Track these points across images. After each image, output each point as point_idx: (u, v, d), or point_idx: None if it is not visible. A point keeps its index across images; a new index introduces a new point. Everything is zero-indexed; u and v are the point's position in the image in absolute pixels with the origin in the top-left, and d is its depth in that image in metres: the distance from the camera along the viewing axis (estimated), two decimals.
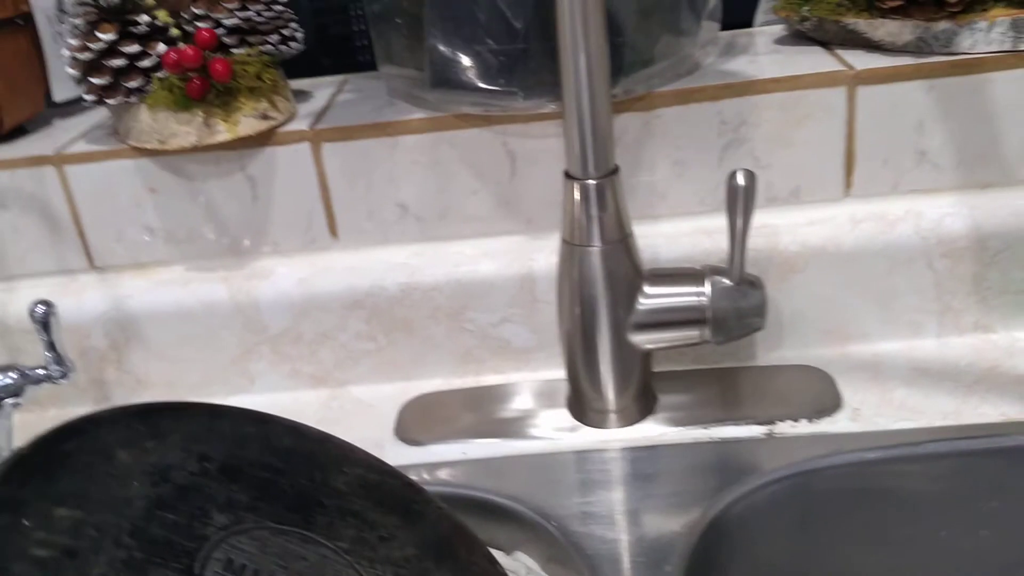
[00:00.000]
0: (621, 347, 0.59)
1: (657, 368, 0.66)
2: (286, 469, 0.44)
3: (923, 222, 0.63)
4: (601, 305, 0.58)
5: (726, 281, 0.58)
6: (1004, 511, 0.58)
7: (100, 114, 0.74)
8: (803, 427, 0.60)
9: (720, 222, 0.64)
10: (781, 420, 0.61)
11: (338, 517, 0.43)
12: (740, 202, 0.54)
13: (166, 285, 0.67)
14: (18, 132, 0.72)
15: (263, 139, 0.64)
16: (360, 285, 0.66)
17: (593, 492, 0.57)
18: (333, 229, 0.67)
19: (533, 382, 0.67)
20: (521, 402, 0.66)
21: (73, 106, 0.76)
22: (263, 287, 0.67)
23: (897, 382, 0.63)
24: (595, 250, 0.56)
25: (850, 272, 0.64)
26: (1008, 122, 0.63)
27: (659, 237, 0.65)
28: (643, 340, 0.59)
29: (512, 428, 0.63)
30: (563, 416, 0.64)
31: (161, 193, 0.66)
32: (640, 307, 0.58)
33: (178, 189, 0.66)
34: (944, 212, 0.64)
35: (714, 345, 0.62)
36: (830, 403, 0.62)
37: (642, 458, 0.59)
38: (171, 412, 0.43)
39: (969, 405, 0.60)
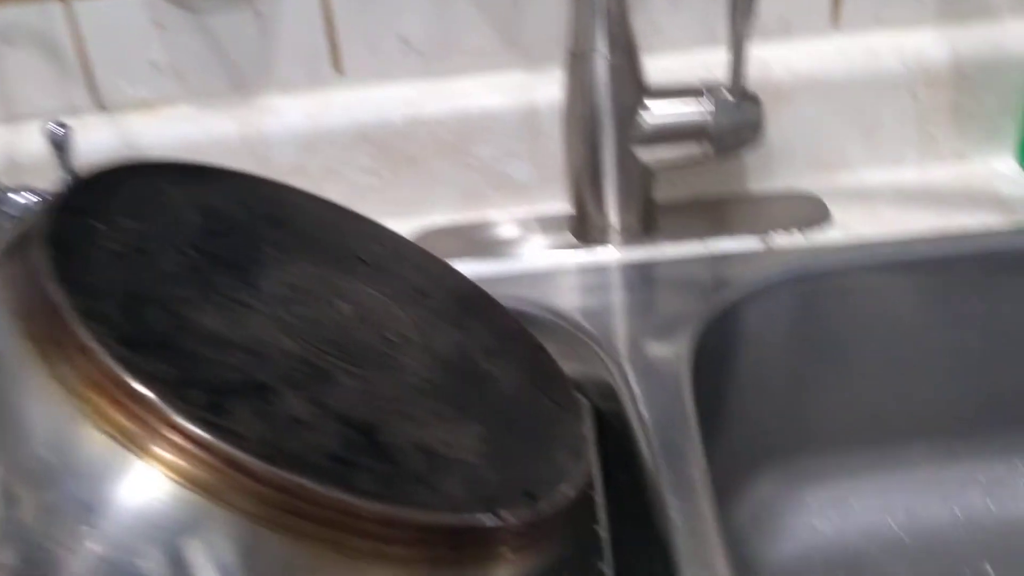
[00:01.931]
0: (625, 161, 0.62)
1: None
2: (326, 229, 0.46)
3: (906, 52, 0.67)
4: (606, 116, 0.60)
5: (727, 96, 0.61)
6: (985, 311, 0.62)
7: None
8: (797, 239, 0.63)
9: (715, 56, 0.66)
10: (775, 232, 0.64)
11: (377, 271, 0.45)
12: (740, 9, 0.56)
13: (174, 121, 0.68)
14: None
15: None
16: (366, 119, 0.68)
17: (601, 296, 0.60)
18: (338, 65, 0.68)
19: (536, 214, 0.69)
20: (525, 230, 0.68)
21: None
22: (270, 122, 0.68)
23: (883, 203, 0.66)
24: (602, 60, 0.59)
25: (837, 101, 0.67)
26: None
27: (655, 70, 0.66)
28: (647, 155, 0.62)
29: (517, 250, 0.65)
30: (567, 239, 0.66)
31: (168, 29, 0.67)
32: (644, 120, 0.61)
33: (185, 24, 0.67)
34: (926, 43, 0.67)
35: (706, 172, 0.65)
36: (821, 219, 0.65)
37: (646, 267, 0.62)
38: (212, 168, 0.45)
39: (950, 219, 0.64)
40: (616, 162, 0.62)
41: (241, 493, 0.28)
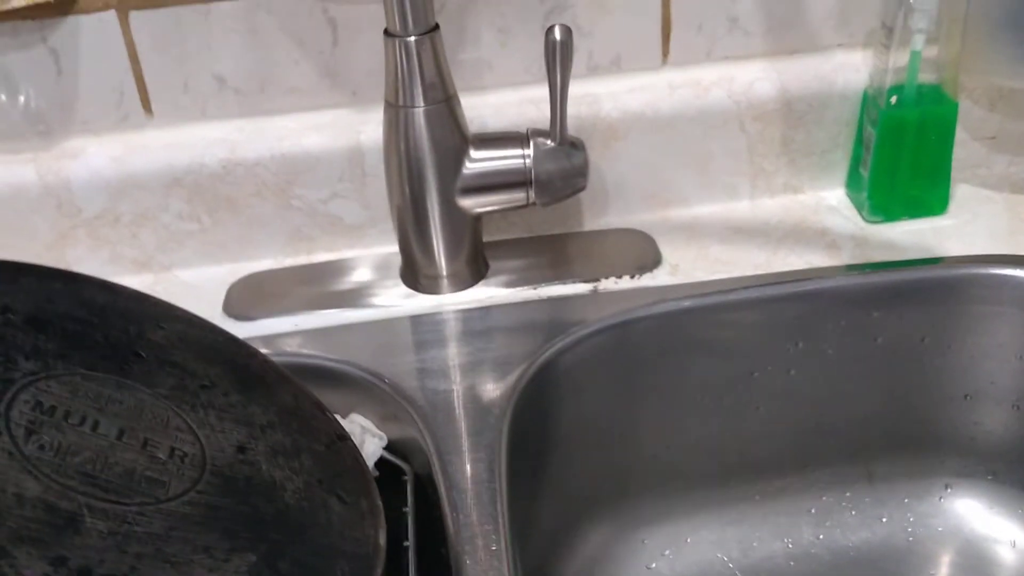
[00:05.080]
0: (450, 211, 0.60)
1: (489, 238, 0.67)
2: (98, 322, 0.42)
3: (735, 87, 0.66)
4: (428, 168, 0.58)
5: (549, 143, 0.59)
6: (808, 351, 0.62)
7: None
8: (625, 283, 0.63)
9: (546, 91, 0.65)
10: (605, 277, 0.63)
11: (156, 366, 0.42)
12: (558, 58, 0.55)
13: None
14: None
15: (63, 8, 0.60)
16: (178, 162, 0.64)
17: (425, 351, 0.58)
18: (147, 104, 0.64)
19: (367, 257, 0.67)
20: (354, 276, 0.65)
21: None
22: (74, 167, 0.63)
23: (713, 240, 0.66)
24: (419, 111, 0.56)
25: (668, 137, 0.67)
26: None
27: (486, 108, 0.65)
28: (471, 204, 0.60)
29: (344, 299, 0.63)
30: (397, 286, 0.64)
31: None
32: (466, 171, 0.59)
33: None
34: (754, 77, 0.66)
35: (543, 210, 0.64)
36: (651, 261, 0.64)
37: (473, 318, 0.60)
38: None
39: (778, 257, 0.64)
40: (440, 213, 0.59)
41: None
